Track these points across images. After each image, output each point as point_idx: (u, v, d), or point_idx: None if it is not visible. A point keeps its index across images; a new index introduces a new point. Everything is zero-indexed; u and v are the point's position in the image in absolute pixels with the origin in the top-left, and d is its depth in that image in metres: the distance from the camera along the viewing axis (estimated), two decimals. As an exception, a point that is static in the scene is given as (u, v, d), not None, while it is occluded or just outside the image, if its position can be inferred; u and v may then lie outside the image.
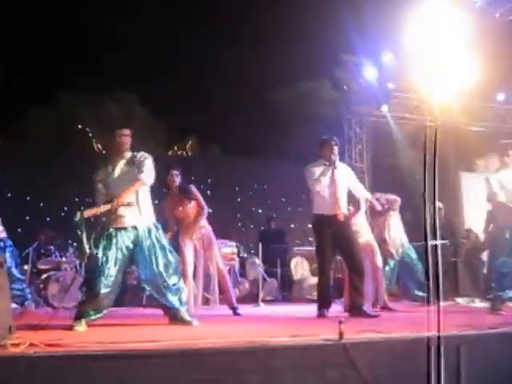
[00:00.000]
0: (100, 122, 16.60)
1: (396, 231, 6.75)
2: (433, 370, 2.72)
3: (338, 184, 4.75)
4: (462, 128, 11.29)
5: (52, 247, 7.01)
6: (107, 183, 3.90)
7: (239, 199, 10.10)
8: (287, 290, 8.08)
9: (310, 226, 10.35)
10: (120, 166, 3.95)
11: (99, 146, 15.49)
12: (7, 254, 5.13)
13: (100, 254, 3.72)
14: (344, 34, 10.85)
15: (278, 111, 17.27)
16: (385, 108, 10.84)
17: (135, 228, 3.85)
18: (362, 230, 5.72)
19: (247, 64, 17.36)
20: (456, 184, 10.98)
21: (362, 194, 5.17)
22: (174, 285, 3.89)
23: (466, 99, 10.67)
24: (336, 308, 5.36)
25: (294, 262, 8.53)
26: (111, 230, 3.80)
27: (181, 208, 5.14)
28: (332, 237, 4.72)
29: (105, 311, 3.75)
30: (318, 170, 4.80)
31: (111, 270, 3.71)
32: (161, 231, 3.99)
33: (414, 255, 6.95)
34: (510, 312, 4.58)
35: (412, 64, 9.59)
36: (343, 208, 4.81)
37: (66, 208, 7.94)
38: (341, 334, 2.66)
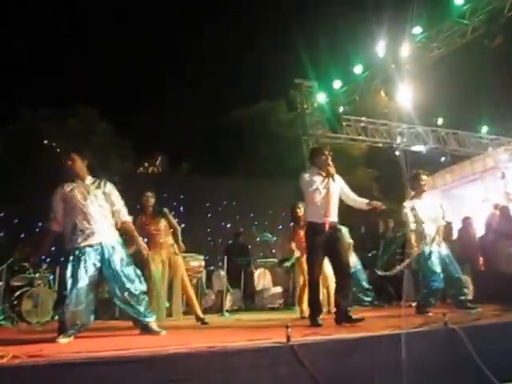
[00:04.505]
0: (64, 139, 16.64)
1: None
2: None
3: (333, 194, 4.79)
4: (407, 149, 12.17)
5: (26, 264, 7.16)
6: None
7: (209, 215, 10.52)
8: (250, 300, 8.49)
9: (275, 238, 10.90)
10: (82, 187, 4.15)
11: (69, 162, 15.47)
12: None
13: (69, 272, 3.89)
14: (298, 61, 11.62)
15: (239, 131, 17.80)
16: (336, 130, 11.43)
17: (102, 245, 4.05)
18: None
19: (209, 84, 17.93)
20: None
21: (358, 201, 5.02)
22: (141, 298, 4.17)
23: (410, 123, 11.62)
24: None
25: (257, 274, 9.03)
26: (80, 247, 3.97)
27: (153, 226, 5.66)
28: (324, 244, 4.70)
29: (84, 324, 3.94)
30: (315, 181, 4.80)
31: (82, 287, 3.87)
32: (123, 247, 4.21)
33: (359, 266, 7.78)
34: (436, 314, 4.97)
35: (361, 90, 10.45)
36: (334, 217, 4.81)
37: (40, 224, 7.99)
38: (288, 338, 3.11)
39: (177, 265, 5.72)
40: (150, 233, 5.68)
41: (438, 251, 5.52)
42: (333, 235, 4.72)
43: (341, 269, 4.75)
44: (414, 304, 5.71)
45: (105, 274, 4.10)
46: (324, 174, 4.80)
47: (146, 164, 21.24)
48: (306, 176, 4.86)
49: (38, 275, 7.17)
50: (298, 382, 2.99)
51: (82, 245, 4.01)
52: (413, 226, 5.58)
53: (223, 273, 7.43)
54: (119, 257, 4.12)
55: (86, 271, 3.95)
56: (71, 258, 3.97)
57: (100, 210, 4.14)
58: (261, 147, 17.33)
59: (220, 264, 7.07)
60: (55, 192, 4.17)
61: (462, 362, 3.42)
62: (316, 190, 4.73)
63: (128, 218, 4.36)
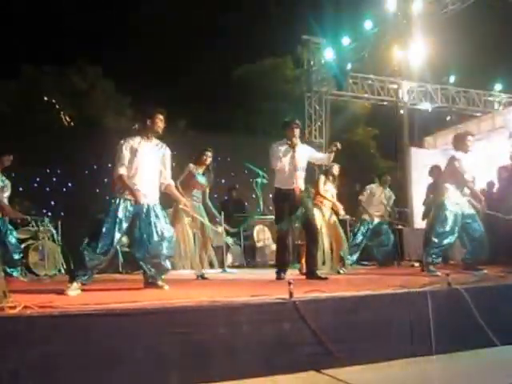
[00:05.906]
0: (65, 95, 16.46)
1: (378, 203, 7.45)
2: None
3: (298, 163, 5.19)
4: (414, 107, 12.01)
5: (28, 217, 7.23)
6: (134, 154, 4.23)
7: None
8: (251, 256, 8.58)
9: (270, 195, 10.98)
10: (149, 145, 4.33)
11: (67, 117, 15.38)
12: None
13: (106, 218, 4.06)
14: (305, 16, 11.31)
15: (242, 87, 17.47)
16: (341, 88, 11.28)
17: (145, 201, 4.19)
18: (328, 203, 6.37)
19: (213, 40, 17.47)
20: (407, 158, 11.59)
21: (323, 157, 5.57)
22: (167, 261, 4.27)
23: (420, 81, 11.40)
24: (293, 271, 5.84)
25: (256, 230, 9.09)
26: (125, 197, 4.14)
27: (202, 180, 5.92)
28: (289, 208, 5.17)
29: (94, 274, 4.11)
30: (280, 150, 5.23)
31: (116, 236, 4.03)
32: (163, 210, 4.37)
33: (385, 226, 7.60)
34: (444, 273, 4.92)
35: (371, 47, 10.18)
36: (300, 184, 5.23)
37: (38, 179, 8.02)
38: (291, 294, 3.16)
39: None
40: (196, 185, 5.90)
41: (455, 209, 5.27)
42: (298, 201, 5.15)
43: (311, 234, 5.25)
44: (416, 264, 5.73)
45: (139, 229, 4.19)
46: (290, 144, 5.19)
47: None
48: (274, 146, 5.29)
49: (41, 229, 7.23)
50: (300, 338, 3.05)
51: (127, 196, 4.15)
52: (468, 176, 5.33)
53: (221, 228, 7.46)
54: (157, 215, 4.22)
55: (123, 221, 4.09)
56: (114, 205, 4.11)
57: (153, 171, 4.33)
58: (262, 104, 17.10)
59: (217, 220, 7.08)
60: (124, 141, 4.29)
61: (465, 323, 3.45)
62: (279, 158, 5.17)
63: (172, 182, 4.57)
